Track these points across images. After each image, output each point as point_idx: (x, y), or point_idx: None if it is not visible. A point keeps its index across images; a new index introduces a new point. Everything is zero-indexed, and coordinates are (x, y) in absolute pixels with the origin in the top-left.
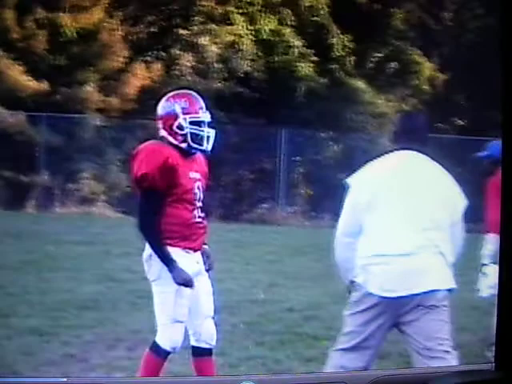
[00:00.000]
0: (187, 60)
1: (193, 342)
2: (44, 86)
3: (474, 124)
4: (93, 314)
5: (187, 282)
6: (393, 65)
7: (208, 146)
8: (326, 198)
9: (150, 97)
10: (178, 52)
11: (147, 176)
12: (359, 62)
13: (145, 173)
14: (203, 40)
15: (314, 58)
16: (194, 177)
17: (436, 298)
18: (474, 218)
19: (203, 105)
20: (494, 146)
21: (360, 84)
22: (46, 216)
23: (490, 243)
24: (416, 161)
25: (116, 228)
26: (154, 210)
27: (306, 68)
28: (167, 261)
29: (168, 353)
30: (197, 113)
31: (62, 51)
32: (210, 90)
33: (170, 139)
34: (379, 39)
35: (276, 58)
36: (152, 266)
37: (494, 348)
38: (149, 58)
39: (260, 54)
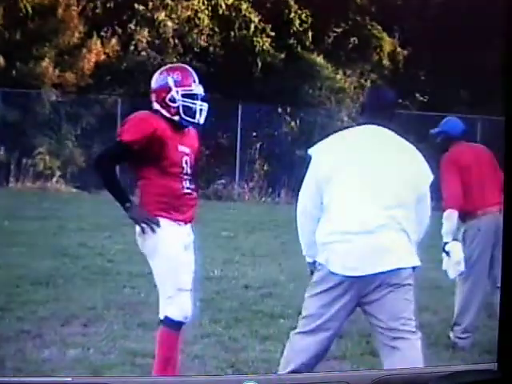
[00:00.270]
0: (143, 35)
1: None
2: (0, 61)
3: (435, 100)
4: (47, 289)
5: (148, 222)
6: (352, 40)
7: (200, 119)
8: (283, 174)
9: (105, 72)
10: (134, 27)
11: (132, 143)
12: (318, 37)
13: (130, 140)
14: (160, 15)
15: (272, 33)
16: (183, 150)
17: (400, 277)
18: (437, 196)
19: (196, 78)
20: (447, 122)
21: (318, 59)
22: (0, 191)
23: (448, 220)
24: (381, 136)
25: (71, 203)
26: (120, 160)
27: (263, 43)
28: (123, 199)
29: (181, 324)
30: (190, 86)
31: (18, 27)
32: (166, 65)
33: (163, 112)
34: (338, 14)
35: (233, 34)
36: (146, 239)
37: (456, 328)
38: (105, 34)
39: (217, 29)
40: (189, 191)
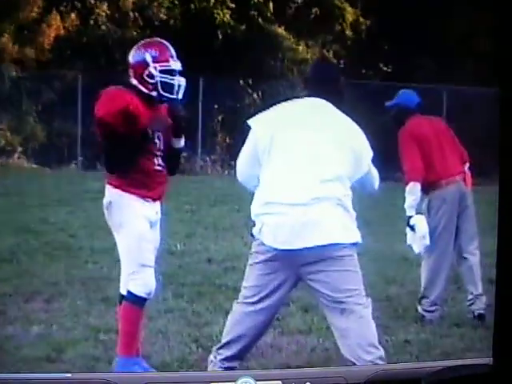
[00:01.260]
0: (103, 9)
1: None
2: None
3: (399, 70)
4: (10, 265)
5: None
6: (314, 11)
7: (179, 94)
8: None
9: (65, 47)
10: (93, 1)
11: (105, 119)
12: (279, 8)
13: (103, 116)
14: None
15: (232, 5)
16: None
17: (337, 251)
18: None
19: (174, 53)
20: (402, 94)
21: (280, 30)
22: None
23: (411, 193)
24: (322, 109)
25: (33, 179)
26: (118, 150)
27: (223, 15)
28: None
29: (144, 299)
30: (167, 61)
31: None
32: (126, 38)
33: (141, 87)
34: None
35: (193, 6)
36: (112, 213)
37: (423, 301)
38: (64, 9)
39: (176, 2)
40: (159, 168)
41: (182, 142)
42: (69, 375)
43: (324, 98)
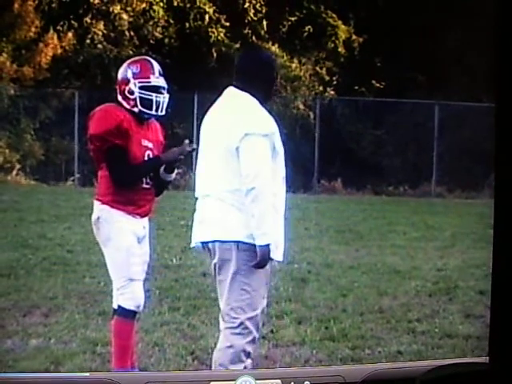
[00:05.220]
0: (99, 28)
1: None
2: None
3: (392, 86)
4: (8, 280)
5: (180, 155)
6: (307, 28)
7: (159, 111)
8: None
9: (62, 66)
10: (89, 21)
11: (100, 136)
12: (273, 26)
13: (97, 133)
14: (115, 8)
15: (227, 24)
16: (146, 145)
17: (222, 250)
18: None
19: (157, 70)
20: None
21: (273, 48)
22: None
23: None
24: (226, 97)
25: (30, 195)
26: (122, 162)
27: (218, 33)
28: (156, 165)
29: (135, 313)
30: (148, 78)
31: None
32: (122, 57)
33: (124, 104)
34: (293, 2)
35: (188, 25)
36: (100, 228)
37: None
38: (61, 28)
39: (172, 20)
40: (147, 186)
41: (172, 177)
42: (87, 374)
43: (237, 86)
